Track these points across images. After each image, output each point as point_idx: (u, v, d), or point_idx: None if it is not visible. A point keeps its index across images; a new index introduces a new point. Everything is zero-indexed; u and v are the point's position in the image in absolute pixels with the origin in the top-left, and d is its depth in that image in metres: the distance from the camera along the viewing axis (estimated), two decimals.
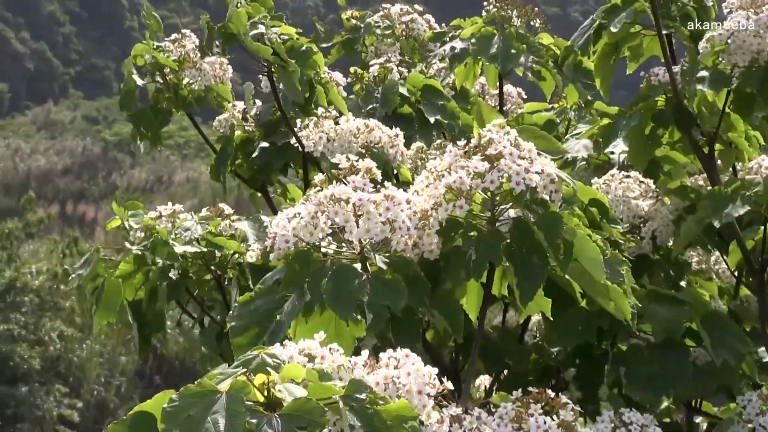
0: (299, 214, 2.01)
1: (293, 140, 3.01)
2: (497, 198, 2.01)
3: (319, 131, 2.81)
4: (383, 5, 3.86)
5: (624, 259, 2.12)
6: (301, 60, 3.02)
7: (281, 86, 3.10)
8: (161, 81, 3.20)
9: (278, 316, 1.96)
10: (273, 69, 3.03)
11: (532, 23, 3.22)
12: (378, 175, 2.10)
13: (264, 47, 2.92)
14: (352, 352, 1.94)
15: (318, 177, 2.15)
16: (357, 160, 2.12)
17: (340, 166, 2.11)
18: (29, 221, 18.19)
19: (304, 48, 3.05)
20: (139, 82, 3.17)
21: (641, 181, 2.95)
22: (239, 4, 2.99)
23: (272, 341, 1.90)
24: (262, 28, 3.00)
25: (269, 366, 1.62)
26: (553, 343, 2.58)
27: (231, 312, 2.03)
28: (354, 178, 2.07)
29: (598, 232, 2.10)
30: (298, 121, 2.99)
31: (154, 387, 15.13)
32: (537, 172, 1.98)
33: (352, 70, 3.41)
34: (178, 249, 2.65)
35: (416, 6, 3.85)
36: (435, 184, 2.03)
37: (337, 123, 2.84)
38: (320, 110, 2.90)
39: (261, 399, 1.57)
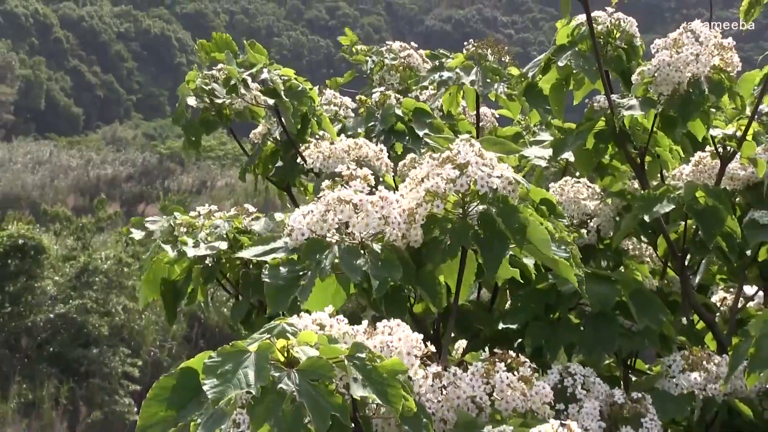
0: (312, 211, 2.02)
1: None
2: (467, 197, 2.03)
3: (317, 151, 2.82)
4: (386, 42, 3.88)
5: (570, 238, 2.13)
6: (296, 97, 3.02)
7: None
8: (208, 101, 3.20)
9: (302, 282, 1.96)
10: (277, 103, 3.04)
11: (503, 59, 3.22)
12: (372, 180, 2.11)
13: (261, 99, 2.96)
14: (340, 308, 1.95)
15: (325, 183, 2.15)
16: (355, 169, 2.12)
17: (342, 174, 2.11)
18: (100, 218, 18.20)
19: (300, 87, 3.05)
20: (192, 102, 3.16)
21: (589, 186, 2.96)
22: (239, 54, 3.02)
23: (299, 299, 1.93)
24: (265, 72, 3.01)
25: (288, 333, 1.63)
26: (508, 320, 2.59)
27: (266, 275, 2.02)
28: (354, 183, 2.07)
29: (550, 219, 2.11)
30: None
31: (198, 349, 15.15)
32: (498, 176, 2.00)
33: (357, 97, 3.43)
34: (190, 252, 2.62)
35: (412, 43, 3.87)
36: (416, 189, 2.04)
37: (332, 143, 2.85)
38: (319, 135, 2.93)
39: (281, 358, 1.58)
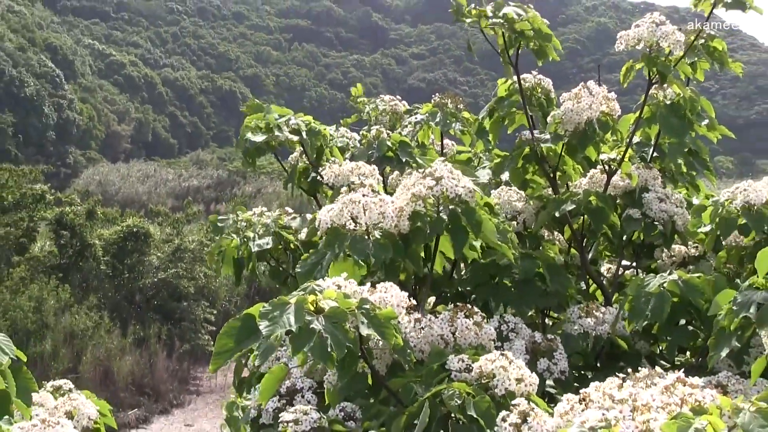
0: (332, 208, 2.02)
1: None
2: (440, 200, 2.02)
3: (330, 171, 2.80)
4: (380, 96, 3.85)
5: (510, 229, 2.13)
6: (314, 135, 2.98)
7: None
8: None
9: (321, 265, 1.96)
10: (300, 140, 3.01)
11: (459, 106, 3.21)
12: (376, 188, 2.10)
13: (290, 136, 2.93)
14: (359, 281, 1.94)
15: (343, 189, 2.14)
16: (364, 179, 2.12)
17: (355, 183, 2.10)
18: (189, 213, 18.16)
19: (317, 129, 3.01)
20: (249, 137, 3.13)
21: (517, 192, 2.95)
22: (271, 110, 2.99)
23: (317, 277, 1.91)
24: (293, 120, 2.98)
25: (317, 290, 1.62)
26: (464, 284, 2.58)
27: (298, 266, 2.02)
28: (362, 189, 2.06)
29: (497, 218, 2.11)
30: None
31: (255, 302, 15.01)
32: (463, 186, 1.99)
33: (360, 133, 3.41)
34: (253, 248, 2.65)
35: (397, 96, 3.84)
36: (406, 193, 2.04)
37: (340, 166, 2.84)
38: (331, 160, 2.92)
39: (312, 308, 1.57)
